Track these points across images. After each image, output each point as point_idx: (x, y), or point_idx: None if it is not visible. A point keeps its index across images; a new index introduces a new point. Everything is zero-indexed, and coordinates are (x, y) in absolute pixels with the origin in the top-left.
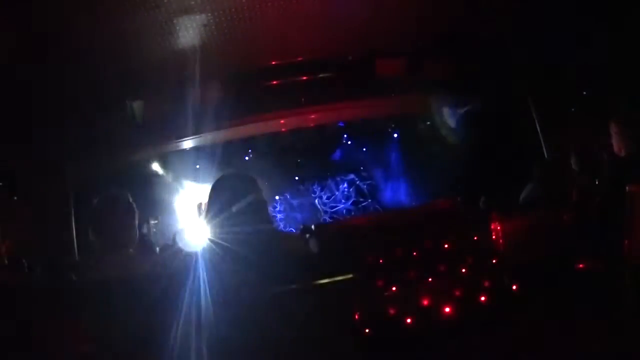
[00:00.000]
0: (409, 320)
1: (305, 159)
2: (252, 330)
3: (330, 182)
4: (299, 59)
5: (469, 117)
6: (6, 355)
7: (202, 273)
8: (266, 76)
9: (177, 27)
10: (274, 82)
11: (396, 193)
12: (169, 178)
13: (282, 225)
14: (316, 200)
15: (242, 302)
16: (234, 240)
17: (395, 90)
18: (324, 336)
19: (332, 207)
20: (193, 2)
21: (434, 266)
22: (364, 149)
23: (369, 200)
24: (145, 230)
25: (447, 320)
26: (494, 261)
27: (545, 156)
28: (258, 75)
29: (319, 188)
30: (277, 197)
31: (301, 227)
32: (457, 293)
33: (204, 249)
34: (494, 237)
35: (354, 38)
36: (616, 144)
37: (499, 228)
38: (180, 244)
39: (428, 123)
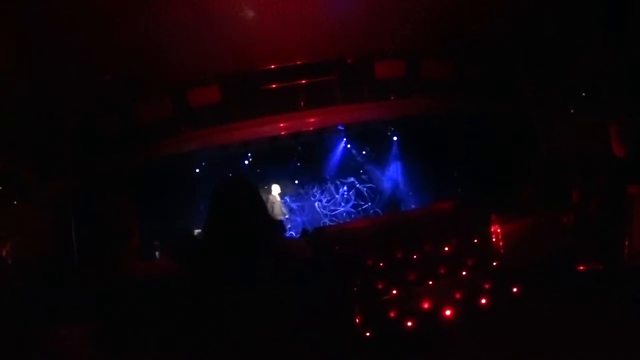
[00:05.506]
0: (409, 323)
1: (305, 162)
2: (251, 331)
3: (330, 185)
4: (298, 62)
5: (468, 119)
6: (6, 357)
7: (203, 274)
8: (265, 79)
9: (178, 30)
10: (274, 85)
11: (396, 196)
12: (170, 181)
13: None
14: (316, 204)
15: (242, 304)
16: (235, 242)
17: (395, 93)
18: (325, 339)
19: (332, 210)
20: (192, 5)
21: (434, 269)
22: (364, 152)
23: (369, 203)
24: (146, 232)
25: (447, 323)
26: (494, 263)
27: (545, 158)
28: (257, 78)
29: (318, 191)
30: None
31: (301, 230)
32: (458, 295)
33: (205, 250)
34: (494, 239)
35: (352, 41)
36: (616, 145)
37: (499, 230)
38: (182, 246)
39: (427, 125)
